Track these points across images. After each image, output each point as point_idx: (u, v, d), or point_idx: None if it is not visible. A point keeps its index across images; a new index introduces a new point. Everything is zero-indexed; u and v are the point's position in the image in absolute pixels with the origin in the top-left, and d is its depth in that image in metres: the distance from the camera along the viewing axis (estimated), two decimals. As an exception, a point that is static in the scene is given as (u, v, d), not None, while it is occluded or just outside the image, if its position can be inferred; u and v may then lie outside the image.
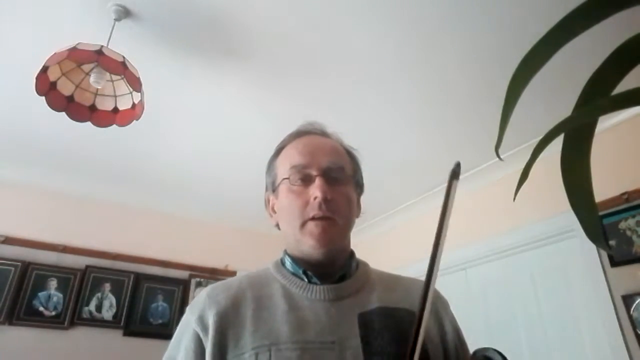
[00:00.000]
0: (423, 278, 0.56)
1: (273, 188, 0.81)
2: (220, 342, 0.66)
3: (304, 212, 0.72)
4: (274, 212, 0.81)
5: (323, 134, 0.83)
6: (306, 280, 0.73)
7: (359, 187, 0.84)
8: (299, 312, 0.68)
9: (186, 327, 0.71)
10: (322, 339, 0.65)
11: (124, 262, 3.03)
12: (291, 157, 0.77)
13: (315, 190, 0.71)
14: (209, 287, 0.76)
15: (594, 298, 1.94)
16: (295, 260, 0.76)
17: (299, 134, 0.82)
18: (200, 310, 0.71)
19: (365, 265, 0.83)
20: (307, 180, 0.74)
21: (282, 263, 0.79)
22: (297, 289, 0.72)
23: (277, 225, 0.81)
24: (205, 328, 0.68)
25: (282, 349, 0.63)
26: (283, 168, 0.78)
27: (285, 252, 0.80)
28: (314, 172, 0.74)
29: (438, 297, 0.81)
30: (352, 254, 0.81)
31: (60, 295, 2.76)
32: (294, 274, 0.75)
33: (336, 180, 0.75)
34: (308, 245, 0.72)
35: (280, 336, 0.64)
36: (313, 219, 0.71)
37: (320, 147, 0.78)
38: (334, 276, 0.74)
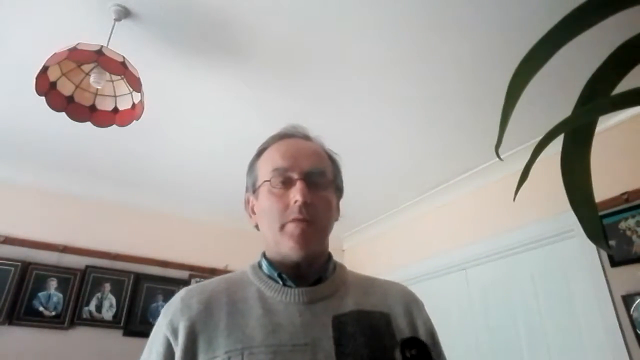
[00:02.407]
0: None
1: (253, 189, 0.81)
2: (190, 347, 0.66)
3: (284, 214, 0.72)
4: (254, 213, 0.82)
5: (305, 137, 0.84)
6: (281, 283, 0.74)
7: (339, 191, 0.84)
8: (273, 315, 0.69)
9: (158, 331, 0.72)
10: (295, 342, 0.65)
11: (124, 262, 3.03)
12: (273, 159, 0.77)
13: (296, 194, 0.72)
14: (184, 289, 0.76)
15: (594, 298, 1.94)
16: (272, 263, 0.76)
17: (281, 137, 0.82)
18: (171, 314, 0.71)
19: (343, 268, 0.83)
20: (288, 184, 0.74)
21: (259, 266, 0.79)
22: (272, 292, 0.73)
23: (257, 226, 0.81)
24: (175, 333, 0.68)
25: (254, 353, 0.63)
26: (264, 170, 0.78)
27: (263, 255, 0.80)
28: (295, 176, 0.74)
29: (413, 299, 0.81)
30: (329, 256, 0.81)
31: (60, 295, 2.76)
32: (269, 276, 0.76)
33: (317, 185, 0.75)
34: (287, 246, 0.72)
35: (254, 340, 0.65)
36: (293, 221, 0.72)
37: (303, 151, 0.78)
38: (310, 279, 0.75)
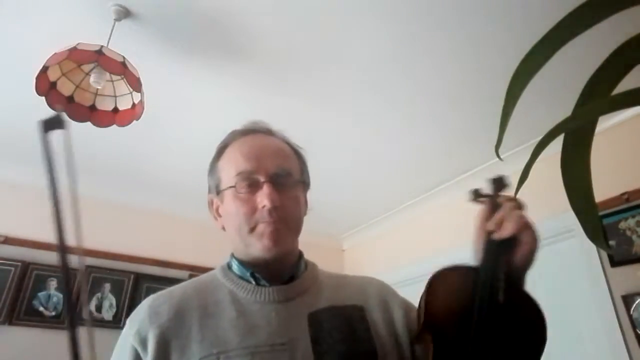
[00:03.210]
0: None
1: (217, 191, 0.77)
2: (161, 356, 0.63)
3: (252, 218, 0.70)
4: (219, 215, 0.78)
5: (268, 132, 0.79)
6: (254, 282, 0.72)
7: (306, 185, 0.81)
8: (248, 316, 0.67)
9: (124, 342, 0.69)
10: (272, 342, 0.64)
11: (124, 262, 3.03)
12: (236, 161, 0.74)
13: (263, 199, 0.69)
14: (151, 297, 0.73)
15: (594, 298, 1.94)
16: (243, 263, 0.74)
17: (242, 133, 0.79)
18: (139, 324, 0.68)
19: (314, 266, 0.81)
20: (254, 187, 0.71)
21: (229, 267, 0.77)
22: (245, 293, 0.70)
23: (223, 228, 0.78)
24: (143, 343, 0.65)
25: (231, 356, 0.61)
26: (228, 173, 0.74)
27: (232, 256, 0.77)
28: (261, 178, 0.71)
29: (387, 289, 0.80)
30: (300, 254, 0.79)
31: (60, 295, 2.76)
32: (241, 277, 0.73)
33: (284, 186, 0.72)
34: (259, 247, 0.69)
35: (229, 343, 0.63)
36: (262, 222, 0.70)
37: (266, 150, 0.75)
38: (282, 278, 0.73)
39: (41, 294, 2.71)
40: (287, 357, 0.63)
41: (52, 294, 2.74)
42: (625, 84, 0.52)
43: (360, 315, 0.72)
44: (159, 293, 0.74)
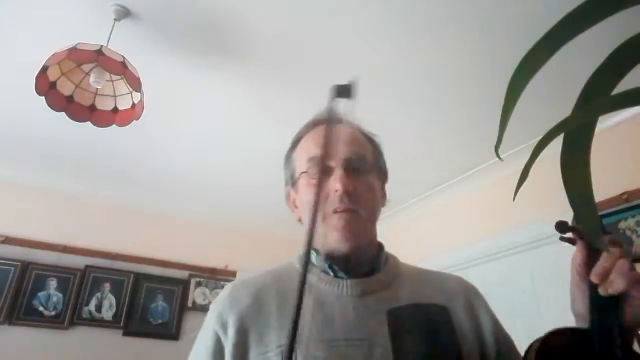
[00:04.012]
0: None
1: (292, 182, 0.78)
2: (241, 342, 0.64)
3: (326, 206, 0.68)
4: (296, 207, 0.78)
5: (341, 121, 0.77)
6: (332, 274, 0.70)
7: (383, 174, 0.79)
8: (325, 308, 0.65)
9: (207, 324, 0.69)
10: (349, 337, 0.62)
11: (124, 262, 3.03)
12: (309, 149, 0.74)
13: (336, 183, 0.67)
14: (231, 284, 0.74)
15: (594, 298, 1.94)
16: (321, 254, 0.72)
17: (315, 124, 0.78)
18: (220, 309, 0.68)
19: (396, 259, 0.79)
20: (326, 173, 0.70)
21: None
22: (323, 285, 0.69)
23: (300, 220, 0.77)
24: (224, 327, 0.66)
25: (308, 348, 0.60)
26: (301, 161, 0.75)
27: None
28: (333, 164, 0.70)
29: (474, 292, 0.77)
30: (381, 247, 0.77)
31: (60, 295, 2.76)
32: (319, 268, 0.72)
33: (358, 171, 0.71)
34: (333, 239, 0.68)
35: (306, 334, 0.60)
36: (336, 212, 0.68)
37: (339, 136, 0.73)
38: (362, 270, 0.71)
39: (41, 294, 2.71)
40: (365, 354, 0.61)
41: (52, 294, 2.74)
42: (625, 84, 0.52)
43: (445, 316, 0.69)
44: (239, 280, 0.74)
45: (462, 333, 0.67)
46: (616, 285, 0.55)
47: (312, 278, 0.70)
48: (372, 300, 0.67)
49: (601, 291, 0.57)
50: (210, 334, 0.67)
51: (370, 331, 0.63)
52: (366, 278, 0.70)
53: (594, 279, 0.58)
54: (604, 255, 0.58)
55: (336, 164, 0.70)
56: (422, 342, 0.63)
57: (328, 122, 0.75)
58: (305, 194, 0.72)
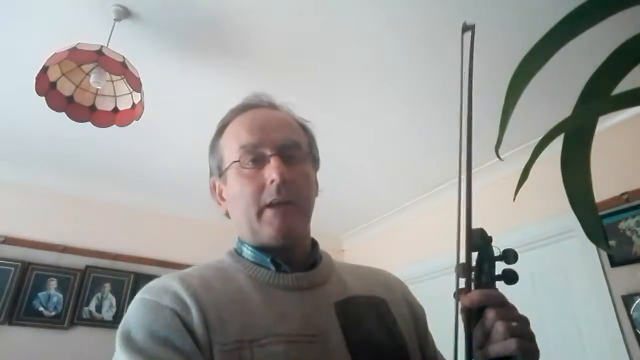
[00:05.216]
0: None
1: (219, 172, 0.72)
2: (204, 326, 0.56)
3: (260, 198, 0.64)
4: (222, 199, 0.73)
5: (272, 106, 0.73)
6: (274, 269, 0.65)
7: (316, 162, 0.75)
8: (275, 303, 0.61)
9: (155, 305, 0.59)
10: (303, 331, 0.59)
11: (124, 262, 3.03)
12: (238, 135, 0.68)
13: (272, 172, 0.63)
14: (171, 273, 0.66)
15: (594, 298, 1.94)
16: (258, 248, 0.67)
17: (244, 108, 0.72)
18: (172, 290, 0.60)
19: (327, 254, 0.76)
20: (260, 161, 0.65)
21: (239, 253, 0.70)
22: (266, 279, 0.64)
23: (227, 214, 0.72)
24: (185, 308, 0.57)
25: (264, 344, 0.56)
26: (230, 149, 0.69)
27: (241, 241, 0.70)
28: (267, 152, 0.65)
29: (402, 282, 0.79)
30: (314, 242, 0.74)
31: (60, 295, 2.76)
32: (257, 263, 0.67)
33: (293, 159, 0.66)
34: (267, 235, 0.64)
35: (261, 330, 0.57)
36: (271, 205, 0.63)
37: (272, 122, 0.69)
38: (304, 264, 0.68)
39: (41, 294, 2.71)
40: (319, 349, 0.58)
41: (52, 294, 2.74)
42: (625, 84, 0.52)
43: (386, 307, 0.69)
44: (175, 272, 0.66)
45: (403, 323, 0.68)
46: (505, 348, 0.54)
47: (251, 273, 0.65)
48: (318, 293, 0.65)
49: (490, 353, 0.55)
50: (167, 312, 0.57)
51: (321, 326, 0.61)
52: (309, 271, 0.67)
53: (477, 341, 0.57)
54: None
55: (271, 152, 0.65)
56: (373, 332, 0.63)
57: (258, 106, 0.72)
58: (236, 184, 0.66)
